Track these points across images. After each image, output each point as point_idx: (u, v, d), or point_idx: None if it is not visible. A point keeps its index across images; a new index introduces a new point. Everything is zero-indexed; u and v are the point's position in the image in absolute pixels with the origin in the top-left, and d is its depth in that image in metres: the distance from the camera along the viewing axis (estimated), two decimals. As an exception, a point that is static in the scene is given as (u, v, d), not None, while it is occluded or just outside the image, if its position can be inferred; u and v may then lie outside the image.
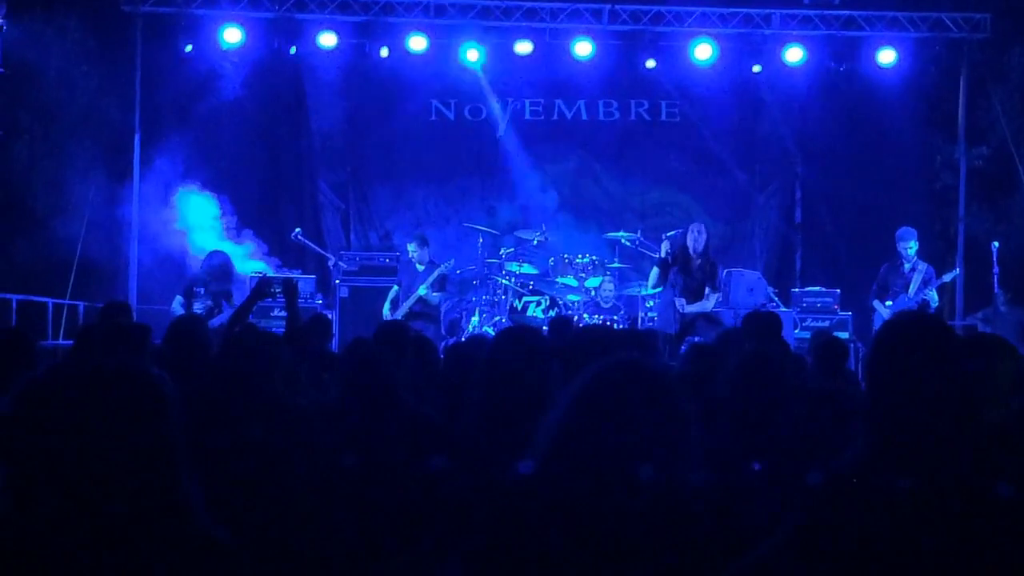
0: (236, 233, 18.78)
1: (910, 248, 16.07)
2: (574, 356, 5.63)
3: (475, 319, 17.97)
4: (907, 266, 16.12)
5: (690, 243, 15.35)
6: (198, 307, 14.64)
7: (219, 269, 14.94)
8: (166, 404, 3.43)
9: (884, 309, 16.09)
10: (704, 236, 15.38)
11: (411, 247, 17.21)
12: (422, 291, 16.74)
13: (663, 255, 15.42)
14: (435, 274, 16.87)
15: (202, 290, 14.77)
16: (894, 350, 3.66)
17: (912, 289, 16.02)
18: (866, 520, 3.45)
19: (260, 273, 16.44)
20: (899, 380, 3.59)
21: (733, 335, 8.99)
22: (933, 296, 16.06)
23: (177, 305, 14.71)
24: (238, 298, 14.47)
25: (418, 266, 17.02)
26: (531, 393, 5.07)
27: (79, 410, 3.34)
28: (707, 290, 15.35)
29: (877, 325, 16.06)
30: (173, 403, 3.46)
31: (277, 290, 9.91)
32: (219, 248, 16.11)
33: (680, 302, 15.20)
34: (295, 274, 17.48)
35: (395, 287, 17.27)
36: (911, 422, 3.53)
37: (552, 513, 3.28)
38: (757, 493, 5.04)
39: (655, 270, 15.61)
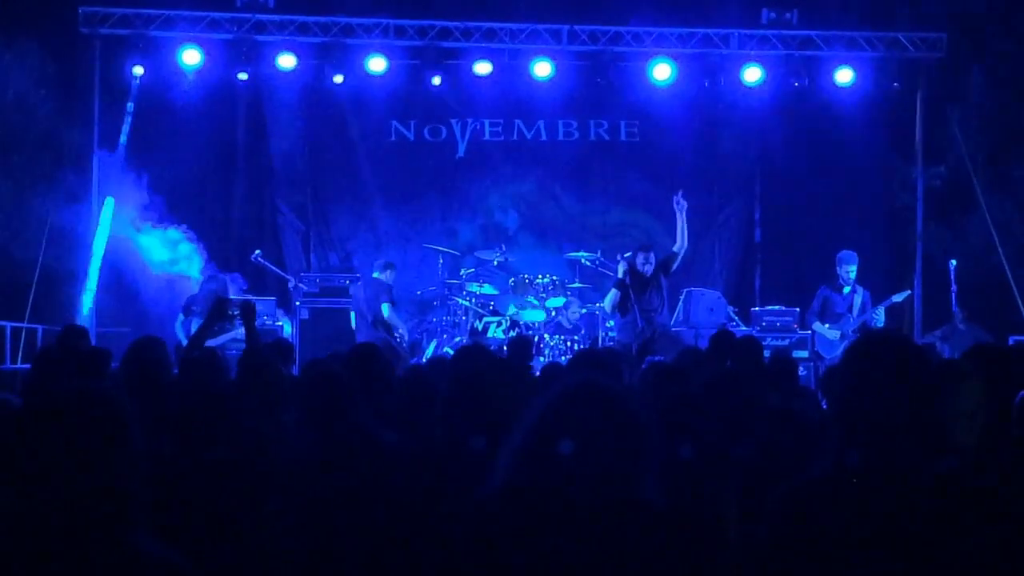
0: (196, 255, 18.72)
1: (851, 272, 16.19)
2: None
3: (435, 341, 17.98)
4: (847, 289, 16.25)
5: (639, 267, 15.44)
6: (195, 326, 14.80)
7: (213, 294, 15.04)
8: (124, 426, 3.42)
9: (828, 331, 16.22)
10: (652, 265, 15.49)
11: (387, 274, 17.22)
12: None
13: (621, 275, 15.45)
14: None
15: (200, 309, 14.93)
16: (865, 368, 3.71)
17: (855, 311, 16.15)
18: (834, 534, 3.49)
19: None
20: (870, 397, 3.63)
21: (694, 355, 9.01)
22: (881, 315, 16.17)
23: (179, 324, 15.03)
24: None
25: None
26: (492, 414, 5.07)
27: (36, 433, 3.32)
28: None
29: (819, 347, 16.26)
30: (131, 425, 3.45)
31: (235, 312, 9.80)
32: (216, 274, 16.25)
33: (634, 306, 15.29)
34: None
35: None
36: (880, 438, 3.57)
37: (516, 536, 3.28)
38: (718, 509, 5.05)
39: (613, 291, 15.62)
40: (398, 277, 17.45)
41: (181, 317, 15.35)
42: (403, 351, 16.01)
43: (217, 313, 9.50)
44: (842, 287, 16.27)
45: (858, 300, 16.22)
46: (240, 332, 15.89)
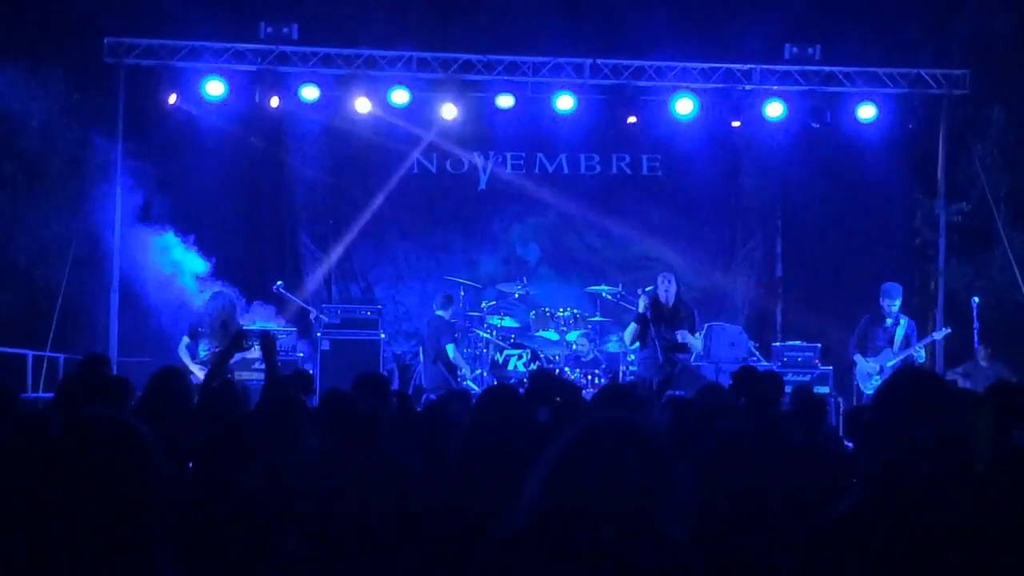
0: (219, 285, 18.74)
1: (895, 305, 16.07)
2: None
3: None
4: (889, 321, 16.13)
5: (661, 294, 15.40)
6: (203, 349, 14.67)
7: (221, 311, 14.91)
8: (148, 453, 3.42)
9: (867, 364, 16.09)
10: (674, 285, 15.45)
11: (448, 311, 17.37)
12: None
13: (641, 310, 15.42)
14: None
15: (207, 331, 14.77)
16: (897, 406, 3.68)
17: (896, 345, 16.03)
18: (860, 573, 3.47)
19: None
20: (902, 435, 3.61)
21: (715, 391, 8.97)
22: (921, 353, 16.09)
23: (183, 347, 14.79)
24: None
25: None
26: (512, 449, 5.06)
27: (61, 460, 3.33)
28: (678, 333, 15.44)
29: (859, 380, 16.11)
30: (155, 452, 3.45)
31: (254, 343, 9.72)
32: (220, 290, 16.09)
33: (682, 333, 15.24)
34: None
35: None
36: (910, 475, 3.55)
37: (540, 568, 3.26)
38: (743, 548, 5.03)
39: (632, 326, 15.60)
40: (418, 309, 17.54)
41: (186, 339, 14.91)
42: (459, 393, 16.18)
43: (235, 345, 9.43)
44: (884, 319, 16.15)
45: (900, 332, 16.04)
46: (254, 353, 15.93)
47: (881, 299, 16.17)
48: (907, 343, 16.02)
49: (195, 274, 18.57)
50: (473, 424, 5.56)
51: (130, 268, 18.62)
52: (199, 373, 14.53)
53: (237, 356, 14.94)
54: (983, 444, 4.84)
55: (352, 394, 6.63)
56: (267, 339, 9.23)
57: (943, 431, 3.60)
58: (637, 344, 15.77)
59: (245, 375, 15.33)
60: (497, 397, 5.97)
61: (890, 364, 15.78)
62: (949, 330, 17.41)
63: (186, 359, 14.77)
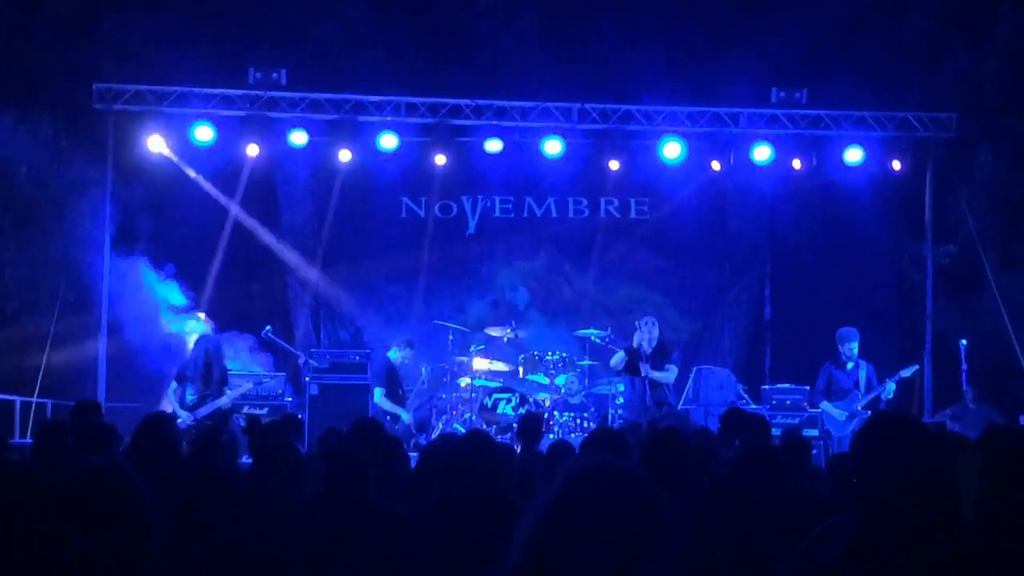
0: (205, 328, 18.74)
1: (853, 348, 16.20)
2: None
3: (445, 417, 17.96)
4: (851, 365, 16.24)
5: (644, 337, 15.52)
6: (190, 394, 14.81)
7: (206, 355, 15.08)
8: (143, 503, 3.42)
9: (835, 410, 16.16)
10: (656, 328, 15.69)
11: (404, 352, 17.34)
12: None
13: (635, 344, 15.58)
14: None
15: (194, 375, 14.93)
16: (877, 451, 3.70)
17: (861, 387, 16.13)
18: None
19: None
20: (884, 480, 3.62)
21: (705, 436, 8.98)
22: (890, 388, 16.14)
23: (171, 392, 15.02)
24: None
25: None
26: (492, 497, 5.07)
27: (53, 507, 3.33)
28: (666, 365, 15.57)
29: (829, 426, 16.23)
30: (147, 501, 3.45)
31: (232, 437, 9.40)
32: (206, 333, 16.19)
33: (644, 367, 15.34)
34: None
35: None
36: (895, 517, 3.56)
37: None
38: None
39: (621, 352, 15.82)
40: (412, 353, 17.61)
41: (174, 385, 15.20)
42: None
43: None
44: (845, 363, 16.26)
45: (863, 375, 16.22)
46: (248, 389, 16.04)
47: (839, 344, 16.29)
48: (869, 386, 16.12)
49: (173, 306, 18.61)
50: (453, 469, 5.56)
51: (119, 310, 18.63)
52: (185, 418, 14.64)
53: (228, 399, 15.19)
54: (971, 488, 4.84)
55: (349, 441, 6.64)
56: (252, 424, 9.07)
57: (923, 473, 3.62)
58: (622, 368, 15.88)
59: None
60: (474, 444, 5.98)
61: (861, 407, 15.87)
62: (917, 367, 17.42)
63: (174, 404, 14.93)
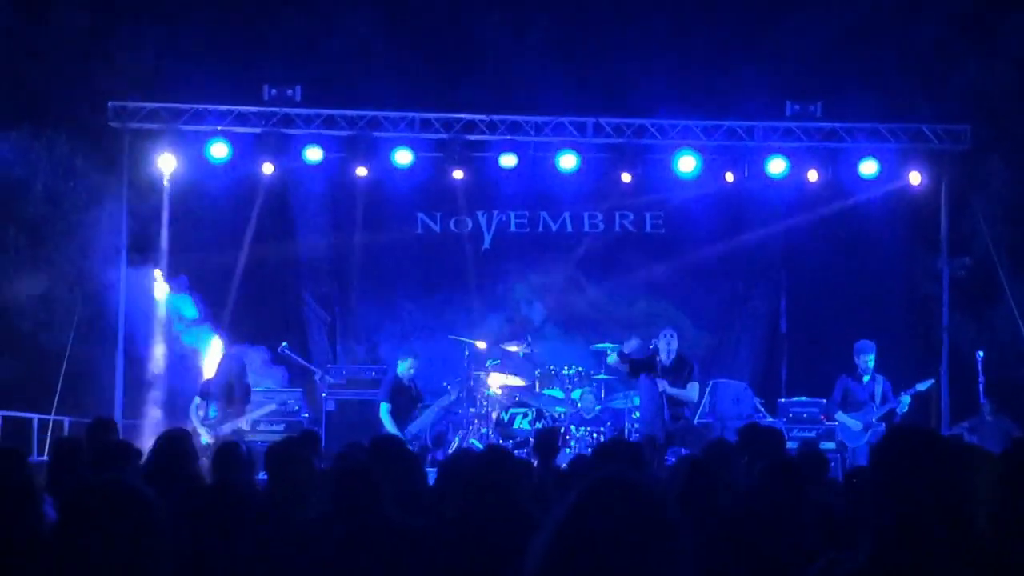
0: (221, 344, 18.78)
1: (869, 361, 16.23)
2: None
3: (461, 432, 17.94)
4: (867, 378, 16.26)
5: (663, 351, 15.50)
6: (213, 410, 14.91)
7: (229, 373, 15.18)
8: (156, 521, 3.42)
9: (851, 421, 16.18)
10: (675, 341, 15.65)
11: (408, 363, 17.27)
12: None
13: (651, 349, 15.64)
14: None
15: (217, 392, 15.02)
16: (895, 464, 3.69)
17: (877, 399, 16.13)
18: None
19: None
20: (902, 493, 3.62)
21: (724, 448, 8.95)
22: (904, 401, 16.13)
23: (194, 407, 15.10)
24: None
25: None
26: (509, 512, 5.06)
27: (70, 526, 3.33)
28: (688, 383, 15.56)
29: (843, 437, 16.24)
30: (163, 519, 3.44)
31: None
32: (229, 351, 16.28)
33: (662, 383, 15.32)
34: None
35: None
36: (915, 531, 3.55)
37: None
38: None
39: (615, 356, 15.93)
40: (424, 369, 17.54)
41: (197, 400, 15.34)
42: None
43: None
44: (861, 376, 16.29)
45: (879, 389, 16.24)
46: (274, 408, 16.07)
47: (856, 356, 16.36)
48: (884, 399, 16.14)
49: (184, 319, 18.67)
50: (470, 484, 5.56)
51: (134, 326, 18.67)
52: (206, 435, 14.69)
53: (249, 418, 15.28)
54: (988, 501, 4.83)
55: (366, 457, 6.64)
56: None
57: (942, 487, 3.61)
58: (627, 370, 15.95)
59: (249, 437, 15.37)
60: (491, 459, 5.98)
61: (876, 419, 15.89)
62: (933, 380, 17.40)
63: (196, 421, 15.01)
